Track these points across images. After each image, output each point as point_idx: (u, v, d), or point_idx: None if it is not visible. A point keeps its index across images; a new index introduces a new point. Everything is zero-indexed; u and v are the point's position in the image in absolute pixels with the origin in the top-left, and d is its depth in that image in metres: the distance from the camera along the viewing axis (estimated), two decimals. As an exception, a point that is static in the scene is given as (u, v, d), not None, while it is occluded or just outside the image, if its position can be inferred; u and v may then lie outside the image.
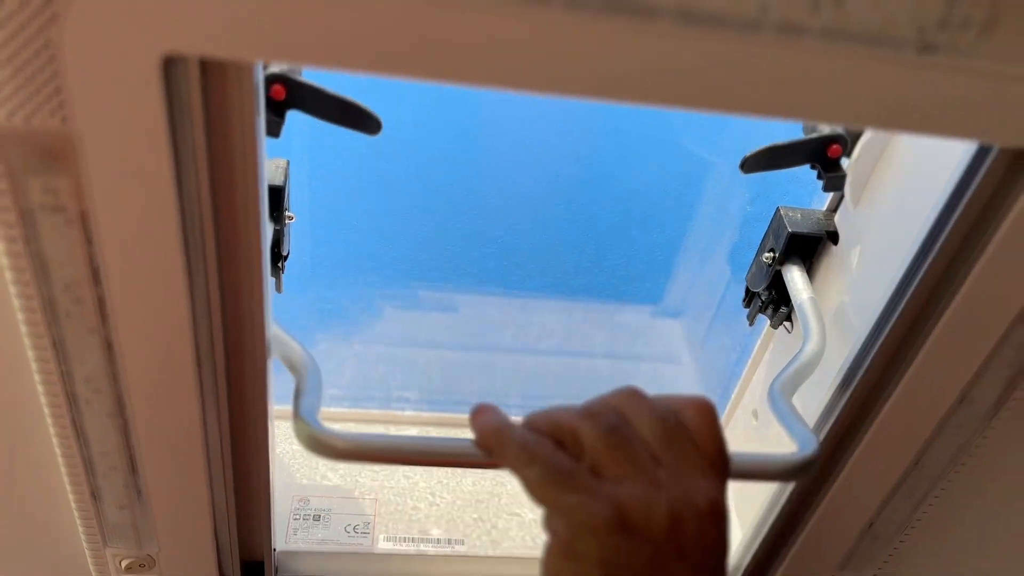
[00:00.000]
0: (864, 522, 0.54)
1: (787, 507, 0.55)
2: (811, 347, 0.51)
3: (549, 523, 0.34)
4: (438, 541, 0.59)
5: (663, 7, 0.30)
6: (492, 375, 0.80)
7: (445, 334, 0.76)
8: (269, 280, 0.42)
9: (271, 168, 0.49)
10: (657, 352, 0.84)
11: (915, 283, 0.43)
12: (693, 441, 0.35)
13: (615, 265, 0.80)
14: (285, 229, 0.50)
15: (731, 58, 0.32)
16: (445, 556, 0.59)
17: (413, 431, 0.69)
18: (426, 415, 0.71)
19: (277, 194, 0.49)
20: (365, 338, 0.73)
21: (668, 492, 0.33)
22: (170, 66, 0.31)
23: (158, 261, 0.36)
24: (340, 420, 0.68)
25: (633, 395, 0.36)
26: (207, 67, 0.33)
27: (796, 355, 0.51)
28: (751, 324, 0.61)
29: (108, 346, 0.40)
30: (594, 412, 0.35)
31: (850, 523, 0.55)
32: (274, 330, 0.47)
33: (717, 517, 0.34)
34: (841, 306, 0.53)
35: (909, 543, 0.58)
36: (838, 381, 0.49)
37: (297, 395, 0.44)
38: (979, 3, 0.31)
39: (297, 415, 0.42)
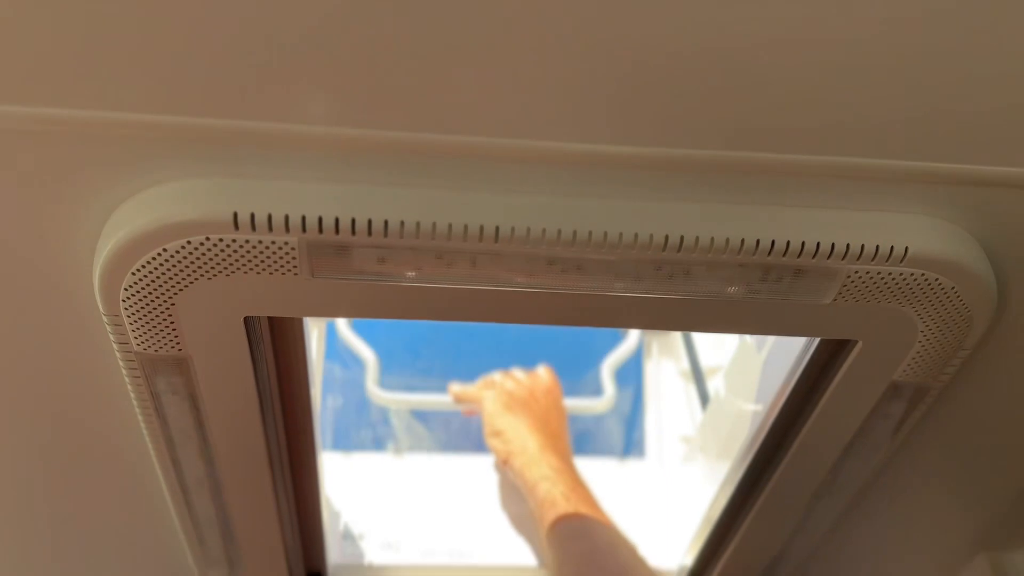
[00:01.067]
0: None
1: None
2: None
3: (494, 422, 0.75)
4: (460, 553, 0.77)
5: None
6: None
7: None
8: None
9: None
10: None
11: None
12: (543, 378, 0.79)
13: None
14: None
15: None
16: (463, 567, 0.77)
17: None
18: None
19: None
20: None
21: (530, 387, 0.77)
22: (249, 321, 0.47)
23: (240, 415, 0.54)
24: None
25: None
26: (272, 320, 0.49)
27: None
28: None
29: (208, 459, 0.58)
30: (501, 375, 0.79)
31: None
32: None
33: (553, 393, 0.78)
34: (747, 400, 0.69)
35: None
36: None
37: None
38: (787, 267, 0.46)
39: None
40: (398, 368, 0.95)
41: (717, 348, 0.94)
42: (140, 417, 0.54)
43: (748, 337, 0.74)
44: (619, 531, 0.63)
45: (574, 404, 0.85)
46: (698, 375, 0.90)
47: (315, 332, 0.94)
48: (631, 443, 0.98)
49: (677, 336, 0.98)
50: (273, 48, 0.37)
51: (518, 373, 0.81)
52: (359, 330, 0.96)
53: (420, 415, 0.91)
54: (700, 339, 0.94)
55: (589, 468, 0.89)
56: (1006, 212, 0.47)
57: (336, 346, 0.98)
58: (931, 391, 0.55)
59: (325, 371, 0.97)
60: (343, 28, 0.37)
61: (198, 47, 0.37)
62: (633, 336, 0.98)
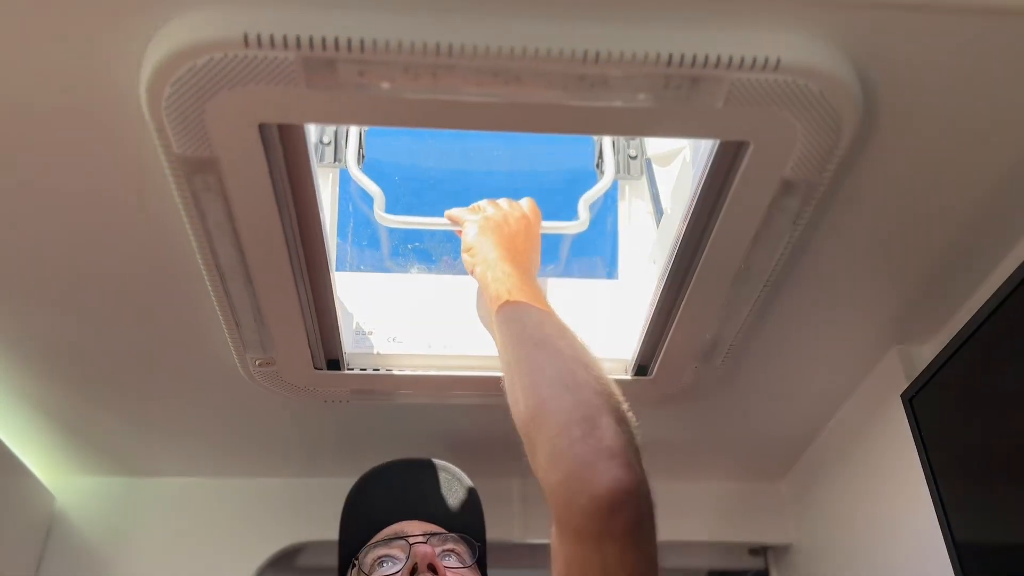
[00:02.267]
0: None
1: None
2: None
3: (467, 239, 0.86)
4: (446, 346, 0.94)
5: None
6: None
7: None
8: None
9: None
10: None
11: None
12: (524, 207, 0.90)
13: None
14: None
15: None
16: (447, 355, 0.93)
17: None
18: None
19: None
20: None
21: (506, 213, 0.87)
22: (263, 130, 0.61)
23: (262, 208, 0.68)
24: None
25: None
26: (283, 128, 0.62)
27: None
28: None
29: (239, 248, 0.72)
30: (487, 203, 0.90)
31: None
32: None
33: (528, 220, 0.89)
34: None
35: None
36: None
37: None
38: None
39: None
40: (403, 208, 1.08)
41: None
42: (183, 214, 0.68)
43: (687, 158, 0.86)
44: (552, 314, 0.72)
45: (551, 225, 0.98)
46: (659, 210, 1.02)
47: (329, 176, 1.08)
48: (611, 267, 1.13)
49: (643, 182, 1.10)
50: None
51: (502, 202, 0.93)
52: (371, 174, 1.08)
53: (421, 240, 1.06)
54: (662, 185, 1.05)
55: (571, 287, 1.05)
56: (877, 32, 0.58)
57: (349, 191, 1.12)
58: (818, 187, 0.68)
59: (341, 212, 1.12)
60: None
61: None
62: (608, 177, 1.09)
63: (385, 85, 0.57)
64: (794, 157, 0.64)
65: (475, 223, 0.87)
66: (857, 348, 0.97)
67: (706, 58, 0.56)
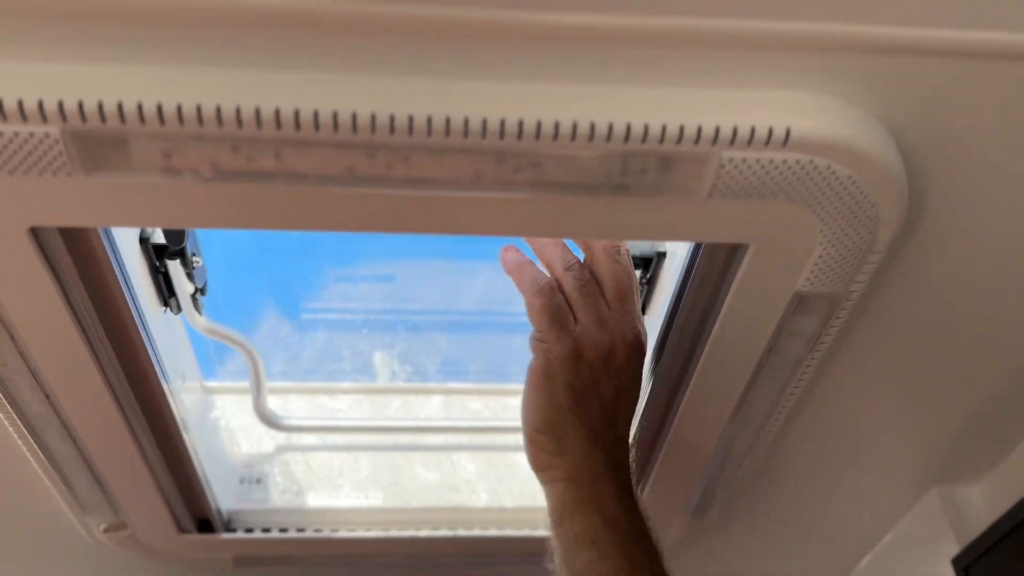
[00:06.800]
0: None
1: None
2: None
3: (535, 345, 0.51)
4: (359, 497, 0.73)
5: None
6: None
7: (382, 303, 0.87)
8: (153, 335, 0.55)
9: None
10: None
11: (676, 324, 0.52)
12: (633, 296, 0.53)
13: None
14: (194, 271, 0.61)
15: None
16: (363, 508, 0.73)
17: (349, 398, 0.82)
18: (360, 384, 0.83)
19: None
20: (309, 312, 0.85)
21: (611, 333, 0.51)
22: (38, 234, 0.41)
23: (59, 337, 0.48)
24: (285, 392, 0.81)
25: (604, 250, 0.52)
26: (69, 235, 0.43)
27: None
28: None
29: (43, 391, 0.52)
30: (571, 265, 0.51)
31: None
32: (214, 327, 0.64)
33: (639, 348, 0.52)
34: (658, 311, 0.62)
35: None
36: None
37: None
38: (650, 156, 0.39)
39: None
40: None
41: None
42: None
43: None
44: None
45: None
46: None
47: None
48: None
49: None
50: None
51: (604, 266, 0.52)
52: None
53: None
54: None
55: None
56: (914, 85, 0.40)
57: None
58: (844, 302, 0.49)
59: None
60: None
61: None
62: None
63: (205, 171, 0.38)
64: (811, 264, 0.45)
65: (562, 369, 0.50)
66: (888, 489, 0.76)
67: (681, 130, 0.38)
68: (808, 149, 0.39)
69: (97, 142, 0.37)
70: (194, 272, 0.61)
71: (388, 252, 0.89)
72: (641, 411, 0.62)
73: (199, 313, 0.65)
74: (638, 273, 0.63)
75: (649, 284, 0.64)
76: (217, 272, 0.68)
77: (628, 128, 0.38)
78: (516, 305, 0.92)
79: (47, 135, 0.36)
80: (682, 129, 0.38)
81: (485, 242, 0.93)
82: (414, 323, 0.87)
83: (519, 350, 0.94)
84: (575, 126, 0.37)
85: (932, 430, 0.68)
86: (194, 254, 0.61)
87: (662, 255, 0.62)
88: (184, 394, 0.64)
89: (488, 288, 0.89)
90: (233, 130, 0.37)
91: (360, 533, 0.71)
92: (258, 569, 0.75)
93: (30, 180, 0.38)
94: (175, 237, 0.57)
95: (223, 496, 0.70)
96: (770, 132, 0.38)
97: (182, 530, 0.68)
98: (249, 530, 0.70)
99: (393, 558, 0.75)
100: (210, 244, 0.65)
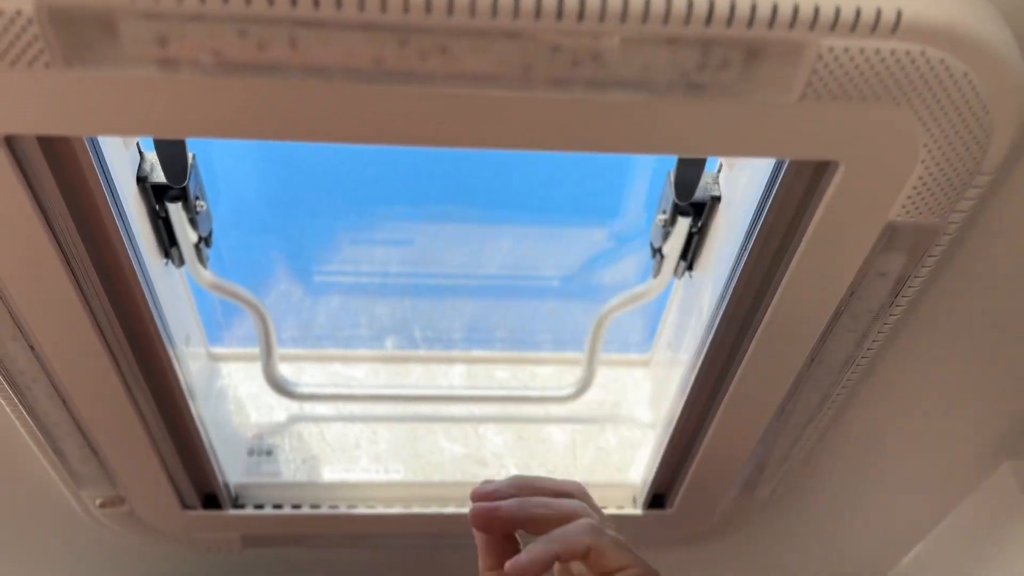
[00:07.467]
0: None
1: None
2: (643, 287, 0.61)
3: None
4: (377, 471, 0.67)
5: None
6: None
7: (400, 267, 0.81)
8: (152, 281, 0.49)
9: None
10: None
11: (743, 264, 0.46)
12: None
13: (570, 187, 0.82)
14: (198, 217, 0.55)
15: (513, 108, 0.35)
16: (381, 482, 0.67)
17: (366, 366, 0.76)
18: (377, 352, 0.77)
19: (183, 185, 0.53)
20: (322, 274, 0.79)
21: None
22: (13, 143, 0.36)
23: (44, 277, 0.42)
24: (297, 360, 0.75)
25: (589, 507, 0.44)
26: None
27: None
28: (655, 276, 0.64)
29: (27, 341, 0.46)
30: (598, 530, 0.41)
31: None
32: (220, 282, 0.60)
33: None
34: (712, 263, 0.56)
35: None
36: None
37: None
38: (736, 46, 0.33)
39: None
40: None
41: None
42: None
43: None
44: None
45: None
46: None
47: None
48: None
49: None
50: None
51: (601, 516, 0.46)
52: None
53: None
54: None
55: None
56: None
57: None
58: (940, 238, 0.43)
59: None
60: None
61: None
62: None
63: (207, 60, 0.32)
64: (910, 188, 0.39)
65: (637, 561, 0.43)
66: (957, 463, 0.70)
67: (775, 9, 0.32)
68: (920, 37, 0.33)
69: (80, 25, 0.31)
70: (198, 218, 0.55)
71: (405, 214, 0.83)
72: (694, 377, 0.56)
73: (204, 267, 0.59)
74: (687, 221, 0.57)
75: (700, 234, 0.58)
76: (223, 230, 0.62)
77: (711, 6, 0.31)
78: (546, 269, 0.86)
79: (19, 13, 0.30)
80: (775, 8, 0.32)
81: (509, 205, 0.87)
82: (436, 287, 0.81)
83: (549, 316, 0.88)
84: (647, 4, 0.31)
85: (1010, 398, 0.61)
86: (198, 197, 0.55)
87: (716, 200, 0.55)
88: (189, 359, 0.58)
89: (514, 252, 0.83)
90: (240, 7, 0.31)
91: (379, 510, 0.65)
92: (268, 550, 0.69)
93: (5, 75, 0.32)
94: (176, 174, 0.51)
95: (230, 469, 0.64)
96: (878, 14, 0.32)
97: (186, 506, 0.62)
98: (259, 506, 0.65)
99: (415, 538, 0.69)
100: (216, 200, 0.59)
